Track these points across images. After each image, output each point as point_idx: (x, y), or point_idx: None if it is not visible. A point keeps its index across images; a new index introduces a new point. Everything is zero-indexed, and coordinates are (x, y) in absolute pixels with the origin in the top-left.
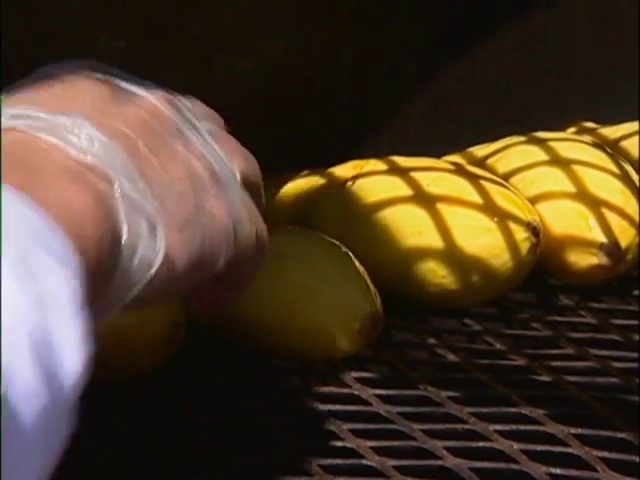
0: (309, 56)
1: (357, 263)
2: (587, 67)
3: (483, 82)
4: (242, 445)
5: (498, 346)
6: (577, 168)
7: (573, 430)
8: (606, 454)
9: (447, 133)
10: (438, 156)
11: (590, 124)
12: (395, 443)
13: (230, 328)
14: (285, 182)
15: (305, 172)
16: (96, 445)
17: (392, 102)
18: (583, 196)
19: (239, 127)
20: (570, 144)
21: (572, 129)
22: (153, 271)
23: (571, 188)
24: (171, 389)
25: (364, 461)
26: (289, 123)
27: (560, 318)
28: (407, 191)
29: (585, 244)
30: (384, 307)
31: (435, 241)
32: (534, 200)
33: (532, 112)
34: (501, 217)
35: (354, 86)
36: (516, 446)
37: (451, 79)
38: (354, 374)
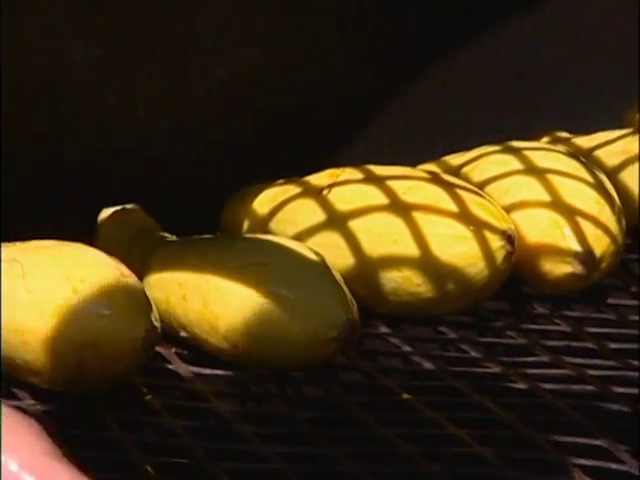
0: (284, 65)
1: (333, 271)
2: (560, 77)
3: (457, 92)
4: (219, 451)
5: (473, 354)
6: (551, 177)
7: (549, 437)
8: (582, 461)
9: (421, 143)
10: (413, 165)
11: (564, 134)
12: (371, 449)
13: (208, 334)
14: (260, 191)
15: (281, 181)
16: (75, 453)
17: (367, 112)
18: (557, 205)
19: (214, 135)
20: (544, 153)
21: (546, 138)
22: None
23: (545, 197)
24: (147, 396)
25: (340, 467)
26: (264, 132)
27: (535, 326)
28: (383, 200)
29: (560, 253)
30: (359, 315)
31: (410, 249)
32: (509, 209)
33: (506, 122)
34: (476, 225)
35: (329, 95)
36: (493, 452)
37: (425, 89)
38: (330, 381)
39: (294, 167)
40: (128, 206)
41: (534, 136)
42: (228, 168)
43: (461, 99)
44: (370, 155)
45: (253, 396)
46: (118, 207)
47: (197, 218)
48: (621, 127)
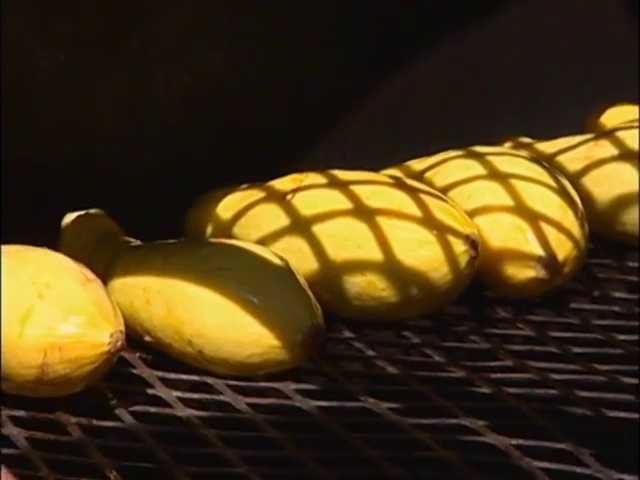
0: (247, 70)
1: (298, 276)
2: (521, 83)
3: (419, 97)
4: (184, 455)
5: (437, 358)
6: (515, 182)
7: (514, 441)
8: (547, 464)
9: (383, 148)
10: (375, 170)
11: (526, 139)
12: (336, 453)
13: (172, 339)
14: (224, 196)
15: (244, 186)
16: (39, 457)
17: (328, 117)
18: (520, 210)
19: (177, 140)
20: (507, 158)
21: (508, 144)
22: None
23: (509, 202)
24: (112, 401)
25: (304, 471)
26: (227, 137)
27: (498, 331)
28: (346, 204)
29: (523, 257)
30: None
31: (374, 254)
32: (472, 213)
33: (467, 127)
34: (440, 230)
35: (291, 100)
36: (458, 456)
37: (387, 94)
38: (294, 386)
39: (257, 172)
40: (92, 211)
41: (496, 141)
42: (191, 173)
43: (422, 104)
44: (332, 160)
45: (217, 400)
46: (82, 212)
47: (161, 223)
48: (582, 132)
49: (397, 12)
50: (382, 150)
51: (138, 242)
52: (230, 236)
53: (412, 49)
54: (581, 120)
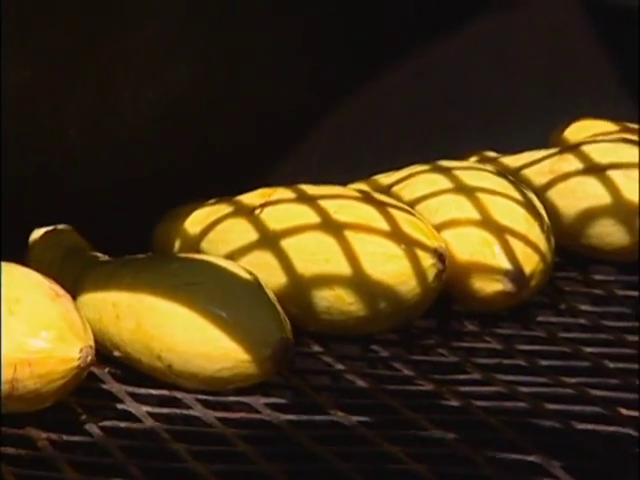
0: (214, 86)
1: (267, 290)
2: (486, 97)
3: (385, 112)
4: (154, 470)
5: (405, 372)
6: (481, 196)
7: (483, 453)
8: (517, 477)
9: (350, 162)
10: (342, 185)
11: (491, 153)
12: (305, 466)
13: (141, 354)
14: (192, 211)
15: (212, 201)
16: (9, 472)
17: (295, 132)
18: (487, 223)
19: (145, 155)
20: (474, 172)
21: (474, 158)
22: None
23: (475, 215)
24: (82, 416)
25: None
26: (194, 152)
27: (466, 344)
28: (314, 219)
29: (490, 271)
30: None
31: (342, 268)
32: (439, 227)
33: (433, 141)
34: (408, 244)
35: (258, 116)
36: (428, 469)
37: (353, 108)
38: (263, 400)
39: (225, 187)
40: (60, 226)
41: (462, 155)
42: (159, 188)
43: (389, 119)
44: (300, 175)
45: (187, 415)
46: (50, 227)
47: (128, 238)
48: (546, 147)
49: (363, 28)
50: (349, 164)
51: (106, 257)
52: (198, 251)
53: (378, 64)
54: (545, 134)
